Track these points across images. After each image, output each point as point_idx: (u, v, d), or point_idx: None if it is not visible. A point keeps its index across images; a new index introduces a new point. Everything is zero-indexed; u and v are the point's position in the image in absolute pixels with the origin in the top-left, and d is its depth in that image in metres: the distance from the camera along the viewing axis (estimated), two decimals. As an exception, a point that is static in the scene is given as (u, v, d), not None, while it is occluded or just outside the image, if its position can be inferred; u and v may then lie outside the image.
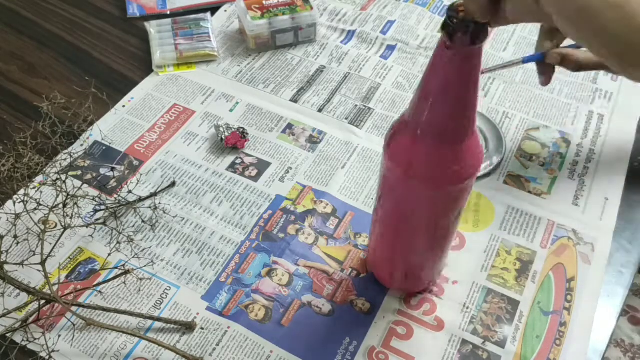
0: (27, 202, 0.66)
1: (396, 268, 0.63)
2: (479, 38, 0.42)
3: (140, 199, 0.73)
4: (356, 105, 0.85)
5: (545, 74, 0.71)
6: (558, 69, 0.70)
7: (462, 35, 0.42)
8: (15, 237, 0.65)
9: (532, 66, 0.90)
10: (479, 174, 0.75)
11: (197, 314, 0.64)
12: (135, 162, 0.78)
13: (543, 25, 0.69)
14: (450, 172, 0.50)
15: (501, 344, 0.62)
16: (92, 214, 0.72)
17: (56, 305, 0.63)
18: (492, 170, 0.76)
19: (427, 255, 0.60)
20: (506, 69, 0.78)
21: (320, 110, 0.85)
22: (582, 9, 0.37)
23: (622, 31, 0.37)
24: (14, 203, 0.71)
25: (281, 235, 0.71)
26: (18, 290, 0.63)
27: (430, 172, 0.50)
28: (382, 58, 0.92)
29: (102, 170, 0.77)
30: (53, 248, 0.64)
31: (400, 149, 0.51)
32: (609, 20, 0.37)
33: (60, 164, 0.75)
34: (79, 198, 0.69)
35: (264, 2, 0.92)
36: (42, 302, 0.60)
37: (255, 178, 0.77)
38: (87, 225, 0.69)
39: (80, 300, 0.65)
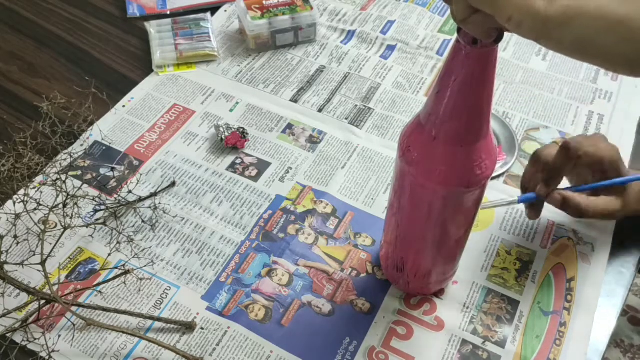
0: (27, 202, 0.66)
1: (395, 260, 0.63)
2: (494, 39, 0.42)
3: (140, 199, 0.73)
4: (356, 105, 0.85)
5: (536, 210, 0.66)
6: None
7: (469, 34, 0.42)
8: (15, 237, 0.65)
9: (533, 66, 0.91)
10: (495, 174, 0.75)
11: (197, 314, 0.64)
12: (135, 162, 0.78)
13: (539, 169, 0.65)
14: (465, 173, 0.50)
15: (501, 344, 0.62)
16: (92, 214, 0.72)
17: (56, 305, 0.63)
18: (507, 170, 0.76)
19: (426, 256, 0.60)
20: (501, 207, 0.71)
21: (320, 110, 0.85)
22: (577, 40, 0.37)
23: (624, 51, 0.37)
24: (14, 203, 0.71)
25: (281, 235, 0.71)
26: (18, 290, 0.63)
27: (428, 168, 0.50)
28: (382, 58, 0.92)
29: (102, 170, 0.77)
30: (53, 248, 0.64)
31: (408, 139, 0.51)
32: (610, 45, 0.37)
33: (60, 164, 0.75)
34: (79, 198, 0.69)
35: (264, 2, 0.92)
36: (42, 302, 0.60)
37: (255, 178, 0.77)
38: (87, 225, 0.69)
39: (80, 300, 0.65)
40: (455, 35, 0.43)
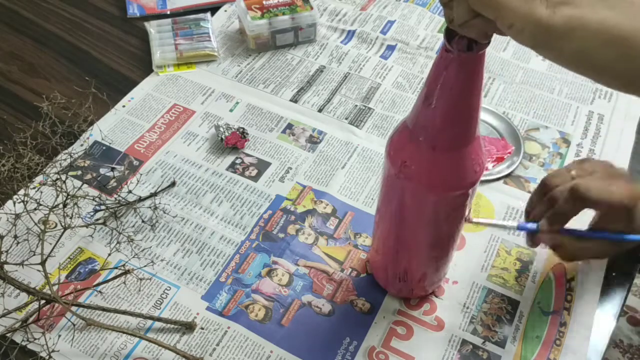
0: (27, 202, 0.66)
1: (396, 272, 0.63)
2: (479, 45, 0.42)
3: (140, 199, 0.73)
4: (356, 105, 0.85)
5: (537, 241, 0.64)
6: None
7: (462, 40, 0.41)
8: (15, 237, 0.65)
9: (533, 66, 0.91)
10: (500, 174, 0.75)
11: (197, 314, 0.64)
12: (135, 162, 0.78)
13: (539, 196, 0.63)
14: (452, 178, 0.50)
15: (501, 344, 0.62)
16: (92, 214, 0.72)
17: (56, 305, 0.63)
18: (514, 170, 0.76)
19: (429, 262, 0.60)
20: (497, 228, 0.71)
21: (320, 110, 0.85)
22: (577, 52, 0.37)
23: (621, 68, 0.37)
24: (14, 203, 0.71)
25: (281, 235, 0.71)
26: (18, 290, 0.63)
27: (431, 178, 0.50)
28: (382, 58, 0.92)
29: (102, 170, 0.77)
30: (53, 248, 0.64)
31: (402, 154, 0.50)
32: (608, 60, 0.37)
33: (60, 164, 0.75)
34: (79, 198, 0.69)
35: (264, 2, 0.92)
36: (42, 302, 0.60)
37: (255, 178, 0.77)
38: (87, 225, 0.69)
39: (80, 300, 0.64)
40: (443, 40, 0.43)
